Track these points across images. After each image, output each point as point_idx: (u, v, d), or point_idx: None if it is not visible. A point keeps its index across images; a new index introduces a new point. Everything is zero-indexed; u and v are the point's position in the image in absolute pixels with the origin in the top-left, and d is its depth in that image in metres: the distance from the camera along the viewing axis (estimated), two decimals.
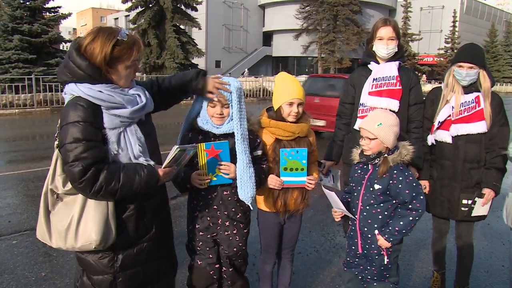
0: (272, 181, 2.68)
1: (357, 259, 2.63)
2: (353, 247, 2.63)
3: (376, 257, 2.52)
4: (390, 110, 2.90)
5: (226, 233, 2.61)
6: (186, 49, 30.42)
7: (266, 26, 55.92)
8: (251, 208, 2.61)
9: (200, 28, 32.51)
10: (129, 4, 31.15)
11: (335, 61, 44.69)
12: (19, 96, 17.18)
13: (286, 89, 2.70)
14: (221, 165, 2.46)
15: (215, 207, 2.57)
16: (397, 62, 3.16)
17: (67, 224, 1.98)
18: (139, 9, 30.95)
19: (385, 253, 2.50)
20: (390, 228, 2.45)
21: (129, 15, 33.11)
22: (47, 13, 26.29)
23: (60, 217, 2.01)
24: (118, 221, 2.04)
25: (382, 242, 2.47)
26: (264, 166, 2.67)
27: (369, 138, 2.46)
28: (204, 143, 2.41)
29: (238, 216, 2.63)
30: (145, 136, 2.08)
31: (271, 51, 56.46)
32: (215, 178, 2.47)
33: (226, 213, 2.59)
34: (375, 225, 2.51)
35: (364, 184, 2.55)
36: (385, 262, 2.51)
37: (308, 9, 46.50)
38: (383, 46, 3.11)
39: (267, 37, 56.92)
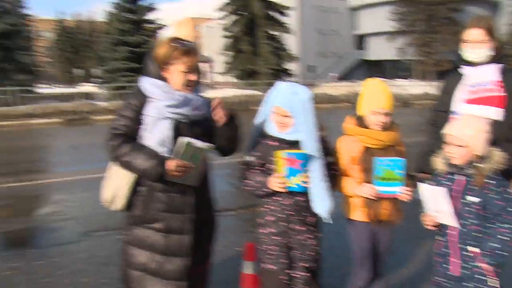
0: (366, 189, 2.62)
1: (452, 282, 2.38)
2: (444, 265, 2.41)
3: (477, 276, 2.28)
4: (490, 119, 2.64)
5: (301, 237, 2.64)
6: (278, 55, 30.82)
7: (359, 29, 54.81)
8: (330, 222, 2.62)
9: (291, 34, 32.74)
10: (223, 13, 32.28)
11: (433, 63, 42.42)
12: None
13: (374, 97, 2.65)
14: (298, 173, 2.47)
15: (291, 213, 2.61)
16: (498, 65, 2.85)
17: None
18: (232, 17, 31.93)
19: (493, 275, 2.28)
20: (488, 248, 2.23)
21: (223, 23, 34.23)
22: (149, 25, 28.20)
23: None
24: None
25: (485, 266, 2.26)
26: (337, 173, 2.68)
27: (458, 146, 2.29)
28: (283, 152, 2.46)
29: (313, 221, 2.67)
30: (194, 136, 2.35)
31: (364, 55, 55.19)
32: (292, 185, 2.49)
33: (301, 218, 2.62)
34: (469, 242, 2.30)
35: (455, 196, 2.34)
36: (494, 285, 2.28)
37: (402, 10, 44.74)
38: (470, 50, 2.88)
39: (361, 41, 55.73)
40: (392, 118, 2.70)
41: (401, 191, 2.61)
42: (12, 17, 24.00)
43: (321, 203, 2.53)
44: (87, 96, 21.27)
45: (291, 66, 33.60)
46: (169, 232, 2.46)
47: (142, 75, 2.50)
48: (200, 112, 2.48)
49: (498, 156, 2.29)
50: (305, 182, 2.50)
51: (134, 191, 2.48)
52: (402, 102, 24.43)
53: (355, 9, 54.53)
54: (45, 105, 19.13)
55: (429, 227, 2.47)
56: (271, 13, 31.45)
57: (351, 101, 25.15)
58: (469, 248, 2.30)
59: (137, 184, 2.47)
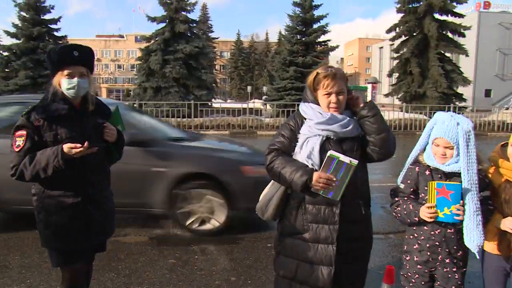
0: (509, 223, 2.56)
1: None
2: None
3: None
4: None
5: (445, 269, 2.64)
6: (450, 78, 28.98)
7: None
8: (478, 257, 2.60)
9: (467, 55, 30.48)
10: (393, 33, 31.62)
11: None
12: None
13: None
14: (450, 205, 2.47)
15: (437, 243, 2.62)
16: None
17: None
18: (403, 38, 31.06)
19: None
20: None
21: (393, 44, 33.54)
22: (318, 46, 29.11)
23: None
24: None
25: None
26: (492, 207, 2.61)
27: None
28: (436, 182, 2.49)
29: (459, 254, 2.63)
30: (341, 153, 2.51)
31: None
32: (442, 216, 2.50)
33: (447, 250, 2.62)
34: None
35: None
36: None
37: None
38: None
39: None
40: None
41: None
42: (200, 41, 27.09)
43: (472, 237, 2.50)
44: (255, 111, 22.80)
45: (463, 90, 31.25)
46: (316, 242, 2.60)
47: (302, 101, 2.79)
48: (349, 131, 2.61)
49: None
50: (456, 215, 2.49)
51: (286, 203, 2.72)
52: None
53: None
54: (217, 118, 21.07)
55: None
56: (445, 33, 29.82)
57: None
58: None
59: (288, 196, 2.71)
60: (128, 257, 4.80)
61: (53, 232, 2.77)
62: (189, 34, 27.03)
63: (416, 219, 2.59)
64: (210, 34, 61.65)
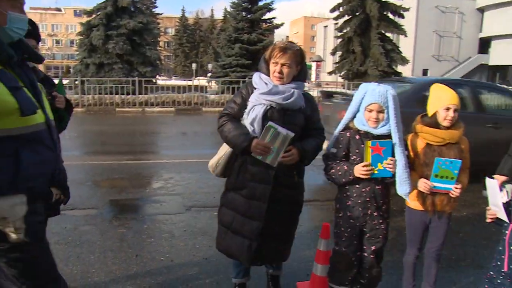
0: (423, 184, 2.93)
1: (501, 277, 2.38)
2: (499, 263, 2.40)
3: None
4: None
5: (373, 222, 2.93)
6: (390, 57, 30.02)
7: (484, 31, 50.90)
8: (409, 201, 3.04)
9: (406, 36, 31.63)
10: (337, 13, 32.18)
11: None
12: None
13: (442, 96, 2.94)
14: (382, 160, 2.77)
15: (367, 199, 2.90)
16: None
17: None
18: (346, 17, 31.69)
19: None
20: None
21: (337, 23, 34.13)
22: (264, 24, 29.14)
23: None
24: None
25: None
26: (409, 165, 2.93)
27: None
28: (371, 141, 2.78)
29: (384, 207, 2.95)
30: (279, 123, 2.78)
31: (488, 59, 51.24)
32: (376, 171, 2.80)
33: (376, 204, 2.91)
34: None
35: None
36: None
37: None
38: None
39: (484, 44, 51.70)
40: (458, 117, 2.94)
41: (453, 188, 2.88)
42: (144, 16, 26.35)
43: (403, 186, 2.85)
44: (200, 88, 22.68)
45: (403, 69, 32.52)
46: (251, 198, 2.92)
47: (255, 71, 3.04)
48: (291, 103, 2.86)
49: None
50: (387, 168, 2.79)
51: (233, 162, 3.04)
52: None
53: (482, 9, 50.77)
54: (161, 95, 20.79)
55: (489, 221, 2.53)
56: (386, 14, 30.72)
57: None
58: None
59: (236, 156, 3.00)
60: (77, 229, 4.83)
61: None
62: (132, 9, 26.17)
63: (351, 177, 2.85)
64: (154, 10, 60.00)
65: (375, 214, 2.93)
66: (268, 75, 2.92)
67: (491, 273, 2.48)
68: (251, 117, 2.84)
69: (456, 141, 2.95)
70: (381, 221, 2.95)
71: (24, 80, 1.97)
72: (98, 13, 25.62)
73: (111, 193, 6.40)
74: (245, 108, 2.90)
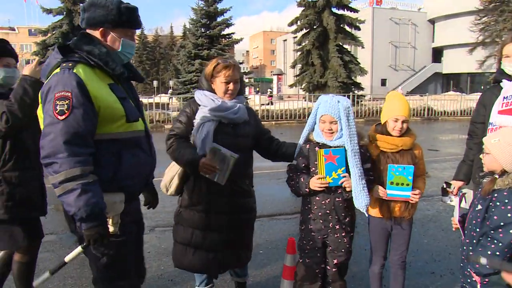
0: (378, 192, 2.93)
1: (465, 279, 2.56)
2: (461, 264, 2.61)
3: (469, 280, 2.49)
4: None
5: (336, 235, 2.91)
6: (349, 68, 30.68)
7: (436, 42, 52.96)
8: (366, 215, 2.96)
9: (363, 47, 32.47)
10: (295, 26, 32.69)
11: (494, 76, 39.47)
12: None
13: (393, 106, 2.97)
14: (337, 169, 2.78)
15: (327, 211, 2.88)
16: None
17: None
18: (304, 30, 32.24)
19: (478, 282, 2.39)
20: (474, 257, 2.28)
21: (296, 37, 34.65)
22: (223, 39, 29.24)
23: None
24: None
25: (473, 274, 2.38)
26: (372, 177, 2.92)
27: (485, 153, 2.38)
28: (323, 149, 2.78)
29: (346, 220, 2.92)
30: (232, 137, 2.93)
31: (441, 68, 53.23)
32: (331, 180, 2.79)
33: (337, 217, 2.89)
34: (470, 247, 2.41)
35: (473, 203, 2.52)
36: None
37: (485, 20, 42.63)
38: (509, 64, 3.04)
39: (437, 53, 53.83)
40: (409, 125, 3.00)
41: (411, 195, 2.91)
42: None
43: (359, 199, 2.79)
44: (161, 106, 22.39)
45: (362, 79, 33.28)
46: (209, 212, 2.98)
47: (197, 89, 3.10)
48: (238, 117, 2.98)
49: None
50: (342, 177, 2.78)
51: (185, 180, 3.07)
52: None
53: (433, 20, 52.85)
54: None
55: (454, 229, 2.68)
56: (343, 26, 31.43)
57: (421, 114, 24.50)
58: (470, 253, 2.38)
59: (188, 174, 3.03)
60: None
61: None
62: None
63: (307, 190, 2.86)
64: None
65: (337, 227, 2.91)
66: (211, 91, 2.99)
67: (461, 278, 2.63)
68: (203, 133, 2.88)
69: (409, 147, 2.98)
70: (343, 234, 2.93)
71: (129, 93, 2.36)
72: (54, 32, 25.08)
73: None
74: (192, 127, 2.94)
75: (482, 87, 44.94)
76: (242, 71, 33.54)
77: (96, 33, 2.24)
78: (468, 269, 2.44)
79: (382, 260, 3.19)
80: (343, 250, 2.94)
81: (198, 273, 3.22)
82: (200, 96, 3.01)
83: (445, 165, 9.90)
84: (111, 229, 2.15)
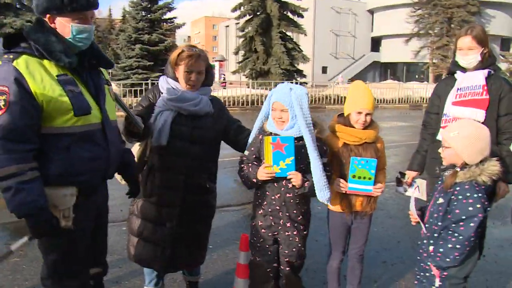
0: (339, 185, 2.82)
1: (422, 273, 2.53)
2: (418, 257, 2.57)
3: (427, 274, 2.45)
4: (476, 121, 2.77)
5: (286, 233, 2.74)
6: (291, 55, 30.85)
7: (375, 31, 54.60)
8: (330, 207, 2.92)
9: (306, 35, 32.77)
10: (238, 12, 32.37)
11: (448, 67, 41.54)
12: (136, 100, 18.76)
13: (357, 98, 2.84)
14: (285, 158, 2.56)
15: (277, 207, 2.70)
16: (485, 71, 3.03)
17: None
18: (248, 17, 32.00)
19: (437, 275, 2.39)
20: (434, 250, 2.33)
21: (239, 23, 34.34)
22: (165, 24, 28.38)
23: None
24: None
25: (432, 267, 2.39)
26: (329, 173, 2.73)
27: (446, 147, 2.38)
28: (270, 136, 2.56)
29: (299, 218, 2.75)
30: (189, 129, 2.80)
31: (379, 57, 54.96)
32: (279, 170, 2.58)
33: (288, 214, 2.71)
34: (431, 241, 2.40)
35: (434, 196, 2.48)
36: (437, 286, 2.40)
37: (419, 12, 44.41)
38: (462, 56, 3.08)
39: (376, 43, 55.53)
40: (372, 117, 2.89)
41: (373, 189, 2.81)
42: (32, 14, 24.32)
43: (323, 192, 2.61)
44: None
45: (303, 67, 33.61)
46: (161, 205, 2.85)
47: (162, 74, 2.94)
48: (199, 109, 2.82)
49: (486, 168, 2.28)
50: (288, 169, 2.57)
51: (141, 170, 2.90)
52: (411, 105, 24.32)
53: (372, 11, 54.33)
54: None
55: (414, 224, 2.61)
56: (286, 13, 31.49)
57: None
58: (430, 247, 2.39)
59: (143, 164, 2.90)
60: None
61: None
62: (18, 6, 24.13)
63: (254, 180, 2.68)
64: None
65: (288, 224, 2.72)
66: (175, 79, 2.85)
67: (416, 270, 2.60)
68: (160, 122, 2.76)
69: (372, 140, 2.86)
70: (294, 232, 2.74)
71: (88, 84, 2.21)
72: None
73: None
74: (152, 112, 2.81)
75: (416, 76, 47.02)
76: None
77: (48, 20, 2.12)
78: (427, 263, 2.41)
79: (341, 255, 3.10)
80: (294, 249, 2.77)
81: (145, 266, 3.06)
82: (163, 83, 2.87)
83: (387, 152, 10.09)
84: (62, 223, 2.10)
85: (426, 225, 2.47)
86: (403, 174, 3.27)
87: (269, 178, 2.62)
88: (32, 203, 1.95)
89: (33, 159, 2.00)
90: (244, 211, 5.71)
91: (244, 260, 3.12)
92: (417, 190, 3.34)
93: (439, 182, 2.53)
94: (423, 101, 24.18)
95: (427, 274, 2.45)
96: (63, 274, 2.27)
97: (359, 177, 2.77)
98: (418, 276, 2.59)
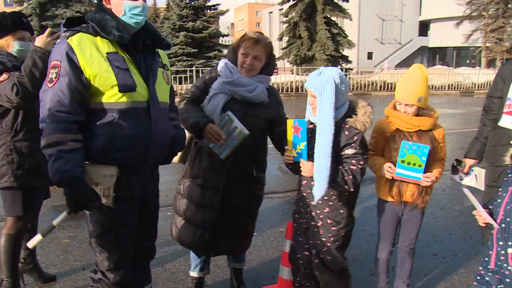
0: (386, 169, 2.65)
1: (489, 274, 2.23)
2: (487, 259, 2.25)
3: (507, 280, 2.11)
4: None
5: (312, 223, 2.61)
6: (336, 41, 30.25)
7: (423, 15, 52.53)
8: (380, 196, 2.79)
9: (351, 19, 31.95)
10: None
11: (503, 51, 39.48)
12: (181, 87, 18.98)
13: (399, 87, 2.72)
14: (301, 142, 2.44)
15: (304, 194, 2.63)
16: None
17: None
18: (291, 2, 31.58)
19: None
20: None
21: (282, 9, 33.96)
22: (208, 11, 28.49)
23: None
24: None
25: None
26: (355, 167, 2.42)
27: None
28: (292, 120, 2.46)
29: (325, 210, 2.56)
30: (241, 115, 2.72)
31: (428, 41, 52.99)
32: (296, 155, 2.48)
33: (313, 203, 2.55)
34: (509, 243, 2.08)
35: (510, 190, 2.13)
36: None
37: None
38: None
39: (424, 27, 53.48)
40: (429, 105, 2.73)
41: (422, 177, 2.59)
42: (81, 5, 25.05)
43: (318, 188, 2.40)
44: None
45: (348, 52, 32.90)
46: (205, 188, 2.84)
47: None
48: (253, 96, 2.75)
49: None
50: (303, 150, 2.44)
51: (191, 149, 2.98)
52: (462, 91, 23.38)
53: None
54: None
55: (483, 225, 2.28)
56: None
57: None
58: (509, 250, 2.10)
59: (193, 144, 2.95)
60: None
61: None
62: None
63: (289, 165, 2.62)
64: None
65: (313, 213, 2.59)
66: (235, 64, 2.79)
67: (480, 269, 2.32)
68: (213, 104, 2.74)
69: (428, 128, 2.67)
70: (319, 223, 2.57)
71: (140, 63, 2.25)
72: (30, 2, 24.13)
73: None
74: (207, 94, 2.79)
75: (467, 61, 45.05)
76: (226, 43, 32.92)
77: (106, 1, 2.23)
78: (509, 268, 2.10)
79: (391, 247, 2.95)
80: (318, 242, 2.59)
81: (184, 246, 3.07)
82: (221, 64, 2.85)
83: None
84: (103, 200, 2.16)
85: (502, 225, 2.14)
86: (459, 162, 3.09)
87: (290, 161, 2.53)
88: (67, 172, 2.02)
89: (78, 131, 2.08)
90: (289, 198, 5.64)
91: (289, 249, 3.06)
92: (475, 179, 3.16)
93: (509, 175, 2.20)
94: (474, 87, 23.19)
95: (507, 280, 2.12)
96: (105, 248, 2.34)
97: (409, 163, 2.57)
98: (480, 278, 2.30)
